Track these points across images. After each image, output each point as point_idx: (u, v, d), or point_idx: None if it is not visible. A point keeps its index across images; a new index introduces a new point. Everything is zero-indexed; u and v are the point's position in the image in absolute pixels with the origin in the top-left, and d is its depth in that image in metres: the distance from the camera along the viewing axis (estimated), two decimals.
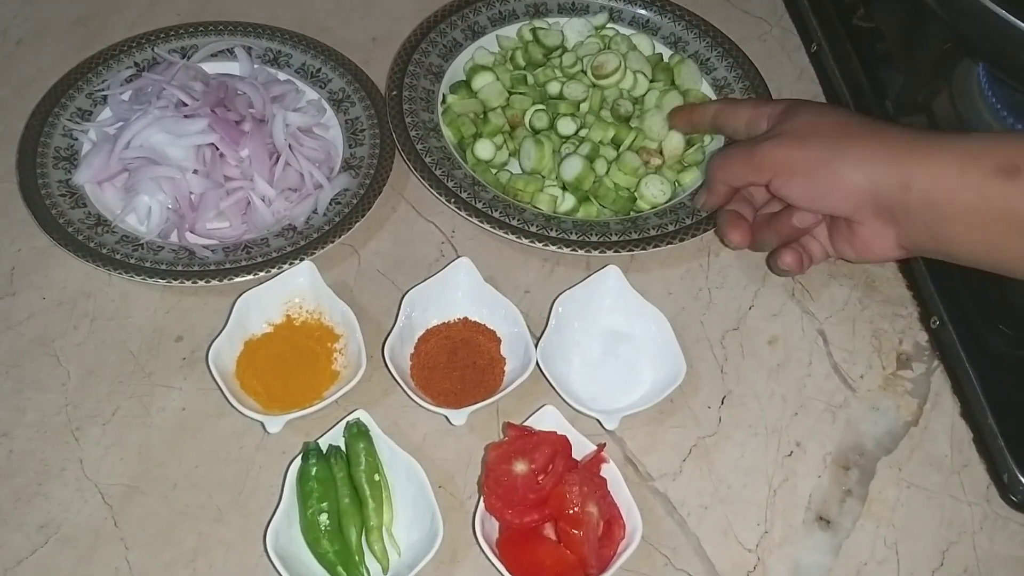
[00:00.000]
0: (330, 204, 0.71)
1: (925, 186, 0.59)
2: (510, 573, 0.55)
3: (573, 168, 0.73)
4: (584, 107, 0.77)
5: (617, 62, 0.77)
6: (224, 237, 0.70)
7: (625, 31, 0.83)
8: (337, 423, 0.61)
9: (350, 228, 0.70)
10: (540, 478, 0.58)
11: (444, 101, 0.78)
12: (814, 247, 0.67)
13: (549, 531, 0.58)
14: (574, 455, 0.60)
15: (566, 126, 0.76)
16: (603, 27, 0.83)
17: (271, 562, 0.55)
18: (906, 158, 0.60)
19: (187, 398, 0.64)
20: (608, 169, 0.74)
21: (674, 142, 0.75)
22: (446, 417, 0.62)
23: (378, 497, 0.58)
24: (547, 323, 0.66)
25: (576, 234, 0.70)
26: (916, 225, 0.60)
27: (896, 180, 0.59)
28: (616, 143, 0.75)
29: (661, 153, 0.75)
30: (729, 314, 0.70)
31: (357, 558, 0.57)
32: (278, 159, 0.72)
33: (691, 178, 0.75)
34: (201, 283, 0.66)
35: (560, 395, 0.63)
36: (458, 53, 0.81)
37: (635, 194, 0.74)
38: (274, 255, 0.68)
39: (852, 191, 0.61)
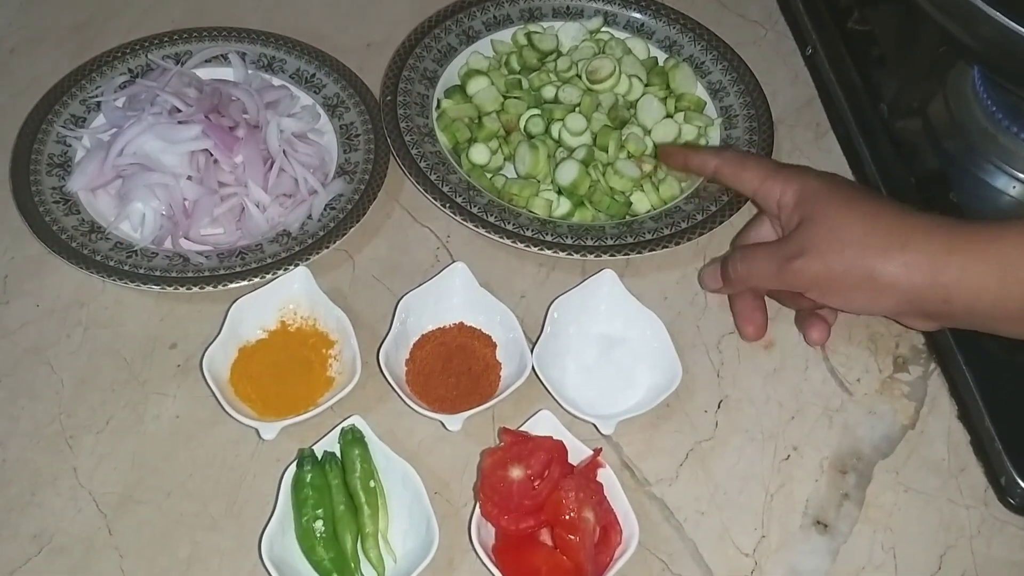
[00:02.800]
0: (325, 210, 0.71)
1: (967, 299, 0.58)
2: None
3: (569, 173, 0.73)
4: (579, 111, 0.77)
5: (612, 67, 0.77)
6: (218, 243, 0.70)
7: (620, 35, 0.83)
8: (332, 429, 0.60)
9: (345, 234, 0.69)
10: (536, 484, 0.57)
11: (439, 106, 0.78)
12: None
13: (545, 537, 0.58)
14: (570, 460, 0.59)
15: (576, 122, 0.75)
16: (598, 31, 0.83)
17: (266, 570, 0.55)
18: (942, 271, 0.58)
19: (181, 405, 0.64)
20: (604, 172, 0.74)
21: (663, 133, 0.75)
22: (442, 423, 0.62)
23: (373, 504, 0.58)
24: (543, 328, 0.66)
25: (572, 238, 0.70)
26: (960, 324, 0.61)
27: (937, 295, 0.59)
28: (602, 146, 0.75)
29: (654, 157, 0.75)
30: (725, 318, 0.69)
31: (353, 565, 0.57)
32: (272, 165, 0.72)
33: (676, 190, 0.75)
34: (195, 289, 0.66)
35: (556, 400, 0.63)
36: (453, 58, 0.81)
37: (630, 199, 0.74)
38: (268, 261, 0.68)
39: (892, 306, 0.61)
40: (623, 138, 0.75)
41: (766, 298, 0.69)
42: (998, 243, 0.57)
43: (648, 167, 0.74)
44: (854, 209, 0.61)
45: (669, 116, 0.78)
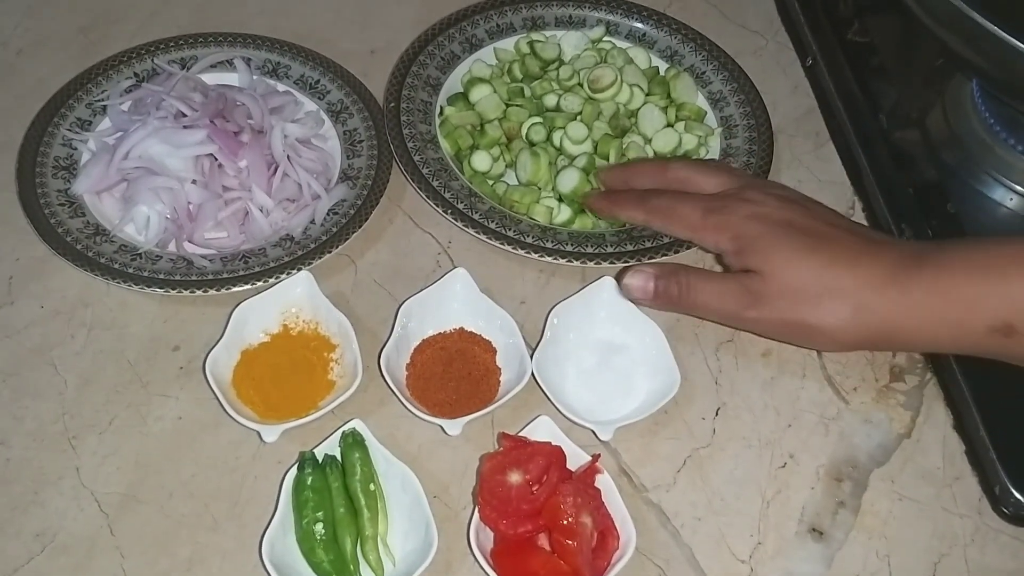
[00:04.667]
0: (328, 215, 0.72)
1: (918, 347, 0.63)
2: None
3: (570, 180, 0.74)
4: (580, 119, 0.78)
5: (613, 76, 0.78)
6: (222, 247, 0.71)
7: (622, 44, 0.84)
8: (333, 433, 0.61)
9: (347, 238, 0.70)
10: (534, 489, 0.58)
11: (442, 113, 0.79)
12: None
13: (543, 542, 0.58)
14: (568, 466, 0.60)
15: (577, 130, 0.76)
16: (600, 40, 0.84)
17: (266, 571, 0.55)
18: (897, 331, 0.59)
19: (184, 407, 0.64)
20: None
21: (664, 142, 0.76)
22: (441, 427, 0.63)
23: (373, 507, 0.59)
24: (542, 334, 0.66)
25: (572, 245, 0.70)
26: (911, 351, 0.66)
27: (894, 346, 0.62)
28: (603, 155, 0.76)
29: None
30: (724, 326, 0.70)
31: (352, 568, 0.57)
32: (276, 170, 0.73)
33: None
34: (199, 293, 0.67)
35: (555, 406, 0.63)
36: (456, 65, 0.81)
37: None
38: (271, 265, 0.68)
39: (852, 347, 0.64)
40: (624, 147, 0.76)
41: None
42: (950, 301, 0.58)
43: None
44: (804, 261, 0.60)
45: (670, 125, 0.78)
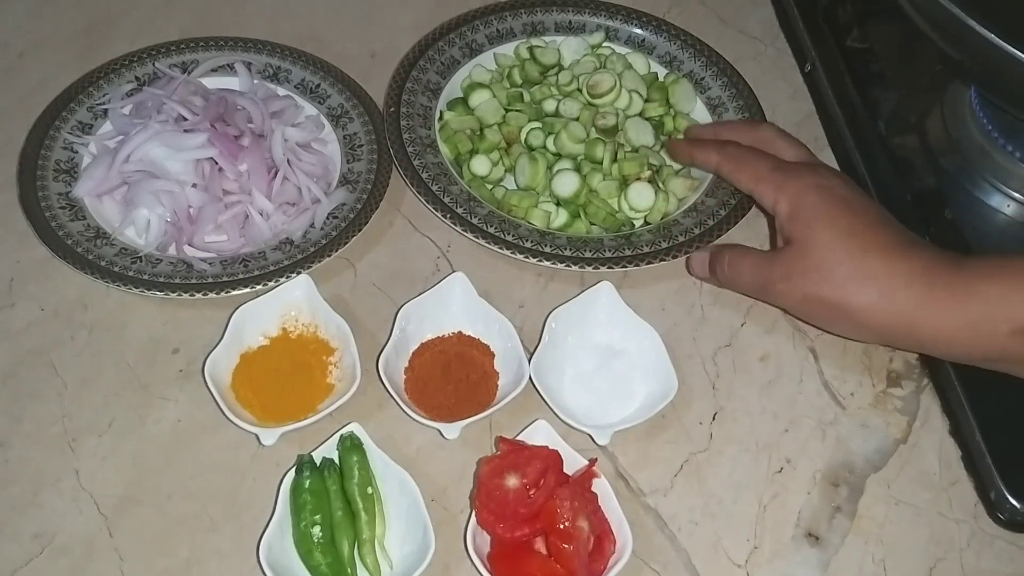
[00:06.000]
0: (327, 218, 0.72)
1: (940, 351, 0.62)
2: None
3: (569, 185, 0.74)
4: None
5: (612, 82, 0.78)
6: (222, 250, 0.71)
7: (621, 50, 0.84)
8: (331, 436, 0.61)
9: (347, 242, 0.70)
10: (532, 492, 0.58)
11: (441, 118, 0.79)
12: None
13: (540, 545, 0.58)
14: (566, 470, 0.60)
15: (577, 129, 0.76)
16: (599, 46, 0.84)
17: (264, 573, 0.55)
18: (918, 326, 0.60)
19: (183, 410, 0.65)
20: (597, 183, 0.75)
21: (681, 186, 0.76)
22: (439, 431, 0.63)
23: (371, 510, 0.59)
24: (540, 338, 0.66)
25: (570, 250, 0.71)
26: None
27: (912, 341, 0.62)
28: (592, 159, 0.76)
29: (655, 174, 0.76)
30: (721, 330, 0.70)
31: (350, 571, 0.57)
32: (276, 174, 0.73)
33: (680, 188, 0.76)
34: (198, 296, 0.67)
35: (552, 410, 0.64)
36: (456, 70, 0.81)
37: (620, 205, 0.74)
38: (271, 268, 0.69)
39: (872, 339, 0.67)
40: (617, 156, 0.76)
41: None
42: (975, 299, 0.59)
43: (648, 173, 0.75)
44: (844, 242, 0.62)
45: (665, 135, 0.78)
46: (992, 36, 0.62)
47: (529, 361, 0.65)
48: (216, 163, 0.72)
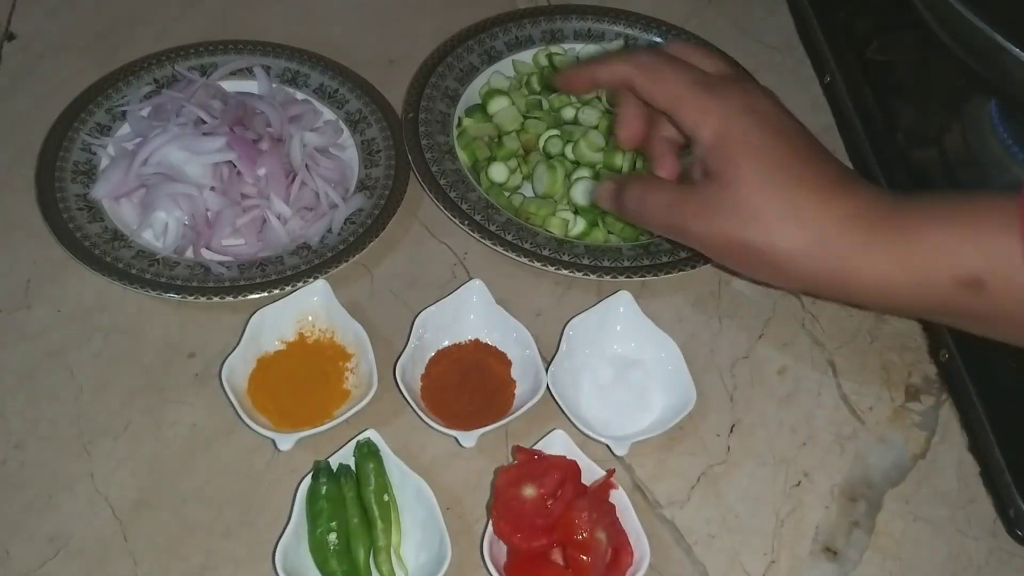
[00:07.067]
0: (345, 224, 0.72)
1: (874, 302, 0.55)
2: None
3: (586, 192, 0.74)
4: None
5: None
6: (239, 254, 0.71)
7: None
8: (347, 442, 0.61)
9: (364, 248, 0.70)
10: (549, 503, 0.58)
11: (459, 124, 0.79)
12: None
13: (557, 556, 0.58)
14: (583, 480, 0.60)
15: (596, 138, 0.76)
16: None
17: None
18: (853, 275, 0.53)
19: (199, 414, 0.64)
20: None
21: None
22: (456, 439, 0.63)
23: (387, 518, 0.59)
24: (558, 347, 0.66)
25: (588, 259, 0.70)
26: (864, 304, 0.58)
27: (845, 291, 0.55)
28: (611, 167, 0.76)
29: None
30: (739, 342, 0.70)
31: None
32: (294, 178, 0.73)
33: None
34: (215, 299, 0.67)
35: (570, 419, 0.63)
36: (474, 77, 0.81)
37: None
38: (288, 273, 0.69)
39: (795, 288, 0.60)
40: (636, 164, 0.76)
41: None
42: (917, 245, 0.52)
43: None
44: (774, 177, 0.54)
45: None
46: (1018, 51, 0.62)
47: (546, 370, 0.65)
48: (234, 167, 0.72)
